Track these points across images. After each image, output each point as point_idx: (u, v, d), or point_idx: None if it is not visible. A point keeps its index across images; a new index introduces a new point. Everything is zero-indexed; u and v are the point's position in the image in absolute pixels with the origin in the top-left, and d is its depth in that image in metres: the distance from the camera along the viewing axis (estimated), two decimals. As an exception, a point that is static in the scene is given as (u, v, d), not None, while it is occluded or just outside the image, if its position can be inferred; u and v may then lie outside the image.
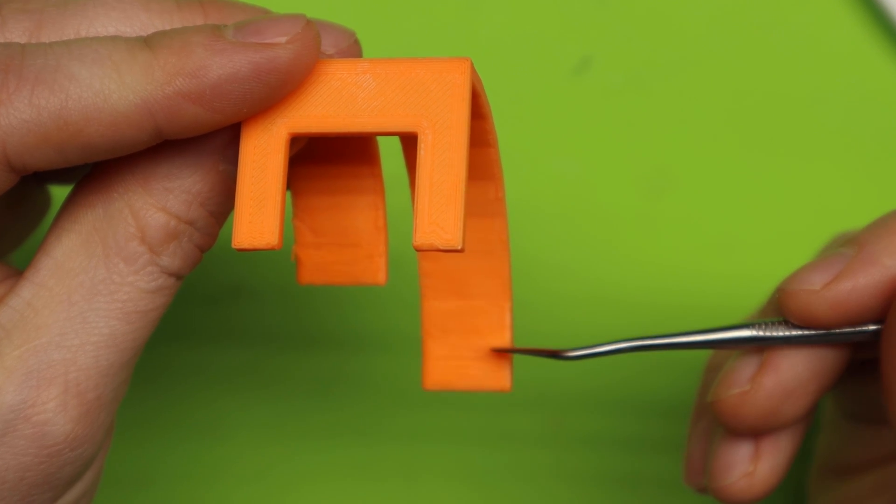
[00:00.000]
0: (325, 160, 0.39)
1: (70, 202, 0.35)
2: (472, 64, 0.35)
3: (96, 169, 0.35)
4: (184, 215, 0.35)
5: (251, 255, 0.49)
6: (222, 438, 0.50)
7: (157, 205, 0.35)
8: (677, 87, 0.51)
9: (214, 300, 0.49)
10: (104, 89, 0.33)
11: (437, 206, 0.33)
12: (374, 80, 0.35)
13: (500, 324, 0.39)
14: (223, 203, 0.36)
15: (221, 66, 0.33)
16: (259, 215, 0.34)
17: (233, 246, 0.34)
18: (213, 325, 0.49)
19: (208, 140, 0.35)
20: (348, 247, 0.38)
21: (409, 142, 0.37)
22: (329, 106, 0.35)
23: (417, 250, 0.33)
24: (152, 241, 0.35)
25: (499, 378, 0.39)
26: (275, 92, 0.34)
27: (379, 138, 0.39)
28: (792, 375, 0.38)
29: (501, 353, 0.39)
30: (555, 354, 0.39)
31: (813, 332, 0.38)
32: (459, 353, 0.39)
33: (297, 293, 0.49)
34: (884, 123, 0.50)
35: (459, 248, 0.33)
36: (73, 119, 0.33)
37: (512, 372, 0.39)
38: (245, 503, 0.50)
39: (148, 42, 0.34)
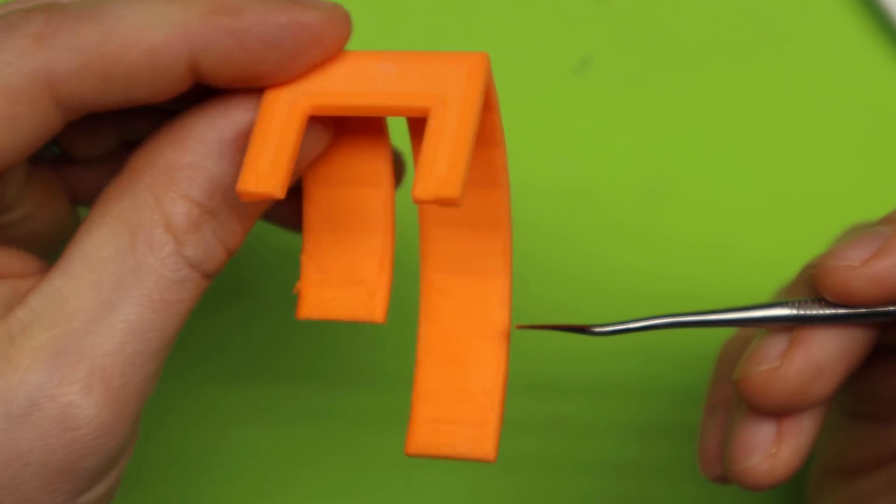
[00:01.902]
0: (340, 197, 0.39)
1: (101, 197, 0.36)
2: (489, 58, 0.36)
3: (125, 165, 0.37)
4: (206, 204, 0.36)
5: (252, 255, 0.49)
6: (221, 432, 0.50)
7: (180, 192, 0.36)
8: (677, 87, 0.51)
9: (215, 301, 0.49)
10: (143, 19, 0.35)
11: (441, 162, 0.34)
12: (394, 66, 0.36)
13: (492, 387, 0.39)
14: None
15: (258, 7, 0.35)
16: (269, 167, 0.35)
17: (237, 188, 0.35)
18: (213, 324, 0.49)
19: (231, 129, 0.36)
20: (352, 285, 0.38)
21: (418, 127, 0.37)
22: (349, 86, 0.36)
23: (416, 202, 0.34)
24: (176, 229, 0.36)
25: (483, 446, 0.38)
26: (304, 50, 0.36)
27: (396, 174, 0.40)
28: (823, 353, 0.38)
29: (488, 423, 0.38)
30: (583, 330, 0.38)
31: (852, 311, 0.38)
32: (447, 417, 0.38)
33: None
34: (884, 123, 0.50)
35: (458, 198, 0.33)
36: (114, 45, 0.35)
37: (497, 442, 0.38)
38: (245, 498, 0.50)
39: None
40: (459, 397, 0.38)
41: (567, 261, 0.50)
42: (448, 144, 0.34)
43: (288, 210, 0.41)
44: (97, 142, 0.41)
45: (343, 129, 0.38)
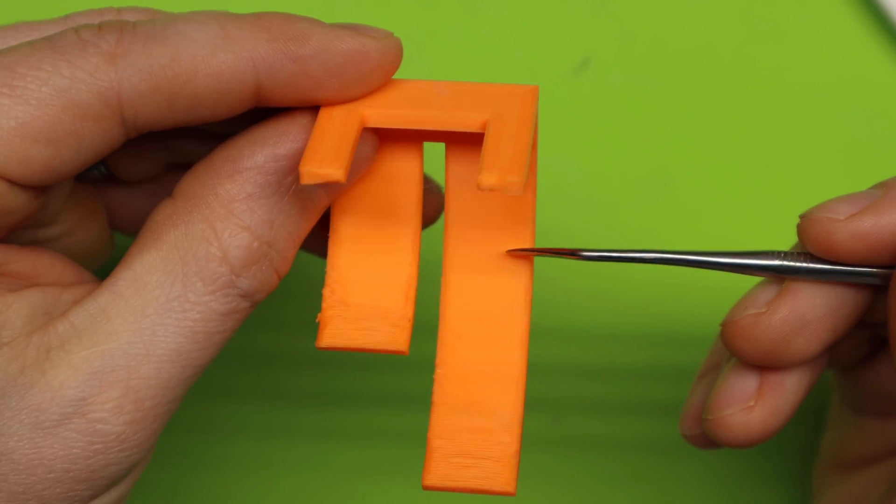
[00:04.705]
0: (368, 235, 0.39)
1: (152, 220, 0.37)
2: (538, 91, 0.37)
3: (178, 191, 0.37)
4: (266, 235, 0.36)
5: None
6: (220, 435, 0.50)
7: (241, 225, 0.36)
8: (677, 87, 0.51)
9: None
10: (211, 43, 0.36)
11: (504, 153, 0.35)
12: (448, 90, 0.37)
13: (510, 425, 0.38)
14: (300, 225, 0.37)
15: (321, 35, 0.36)
16: (331, 152, 0.36)
17: (300, 168, 0.35)
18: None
19: (289, 158, 0.37)
20: (375, 317, 0.38)
21: (458, 145, 0.38)
22: (405, 102, 0.37)
23: (483, 189, 0.35)
24: (235, 262, 0.36)
25: (504, 480, 0.38)
26: (362, 76, 0.37)
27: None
28: (810, 306, 0.38)
29: (509, 458, 0.38)
30: (573, 253, 0.39)
31: (835, 268, 0.38)
32: (466, 451, 0.38)
33: (295, 291, 0.49)
34: (884, 123, 0.50)
35: (521, 184, 0.34)
36: (183, 68, 0.35)
37: (517, 474, 0.38)
38: (243, 498, 0.50)
39: (253, 13, 0.37)
40: (477, 434, 0.38)
41: (567, 260, 0.50)
42: (509, 140, 0.36)
43: (314, 237, 0.41)
44: (144, 164, 0.41)
45: (376, 163, 0.39)
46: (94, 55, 0.35)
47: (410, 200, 0.39)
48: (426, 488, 0.38)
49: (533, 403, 0.48)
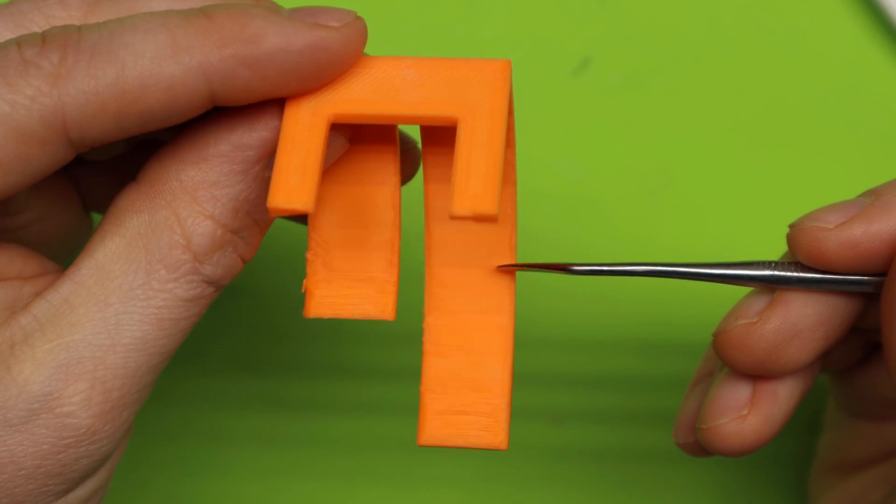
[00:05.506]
0: (347, 195, 0.39)
1: (115, 206, 0.36)
2: (510, 66, 0.37)
3: (143, 176, 0.36)
4: (230, 224, 0.36)
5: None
6: (220, 437, 0.50)
7: (204, 213, 0.35)
8: (677, 87, 0.51)
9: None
10: (159, 55, 0.34)
11: (475, 177, 0.34)
12: (416, 73, 0.36)
13: (501, 377, 0.39)
14: (266, 212, 0.36)
15: (276, 34, 0.35)
16: (298, 180, 0.35)
17: (268, 205, 0.34)
18: (211, 322, 0.49)
19: (255, 146, 0.36)
20: (360, 282, 0.38)
21: (431, 134, 0.38)
22: (372, 94, 0.36)
23: (455, 218, 0.34)
24: (198, 249, 0.35)
25: (496, 436, 0.38)
26: (323, 72, 0.35)
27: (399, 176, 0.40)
28: (801, 315, 0.38)
29: (499, 413, 0.38)
30: (564, 269, 0.39)
31: (826, 276, 0.38)
32: (458, 408, 0.39)
33: (293, 291, 0.49)
34: (884, 123, 0.50)
35: (495, 214, 0.34)
36: (131, 86, 0.34)
37: (508, 430, 0.38)
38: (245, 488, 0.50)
39: (204, 10, 0.35)
40: (468, 388, 0.39)
41: (567, 261, 0.50)
42: (481, 158, 0.35)
43: None
44: (110, 146, 0.40)
45: (354, 130, 0.38)
46: (35, 77, 0.34)
47: (387, 160, 0.39)
48: (421, 445, 0.38)
49: (530, 409, 0.48)
